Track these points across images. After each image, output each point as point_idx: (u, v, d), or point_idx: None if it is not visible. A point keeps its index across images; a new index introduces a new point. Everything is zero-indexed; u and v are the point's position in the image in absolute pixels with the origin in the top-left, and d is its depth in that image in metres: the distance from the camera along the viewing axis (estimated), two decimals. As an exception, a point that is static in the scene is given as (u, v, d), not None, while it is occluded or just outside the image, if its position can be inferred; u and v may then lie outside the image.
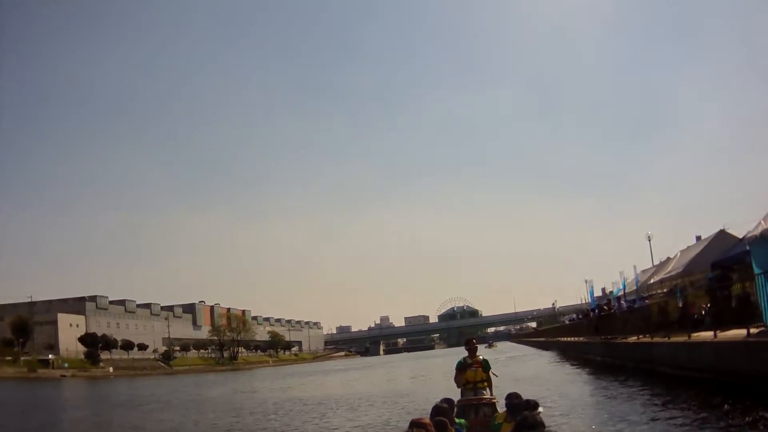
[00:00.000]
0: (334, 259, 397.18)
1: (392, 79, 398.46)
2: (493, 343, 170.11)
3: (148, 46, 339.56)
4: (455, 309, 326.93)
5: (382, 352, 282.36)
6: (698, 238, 37.91)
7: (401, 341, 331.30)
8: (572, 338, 60.56)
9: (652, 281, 41.09)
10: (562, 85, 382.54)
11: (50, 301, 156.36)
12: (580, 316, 61.35)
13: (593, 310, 47.91)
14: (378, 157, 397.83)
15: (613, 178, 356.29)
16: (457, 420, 10.48)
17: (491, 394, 14.56)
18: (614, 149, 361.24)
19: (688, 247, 37.69)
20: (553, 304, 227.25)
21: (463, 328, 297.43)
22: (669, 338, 24.96)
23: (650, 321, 29.46)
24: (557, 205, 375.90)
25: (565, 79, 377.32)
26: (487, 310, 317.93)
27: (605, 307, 41.03)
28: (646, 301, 32.02)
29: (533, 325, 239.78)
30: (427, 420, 7.69)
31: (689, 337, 22.42)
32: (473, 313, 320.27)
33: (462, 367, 15.06)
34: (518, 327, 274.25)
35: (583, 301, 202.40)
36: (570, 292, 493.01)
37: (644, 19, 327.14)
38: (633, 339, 31.69)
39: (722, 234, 32.26)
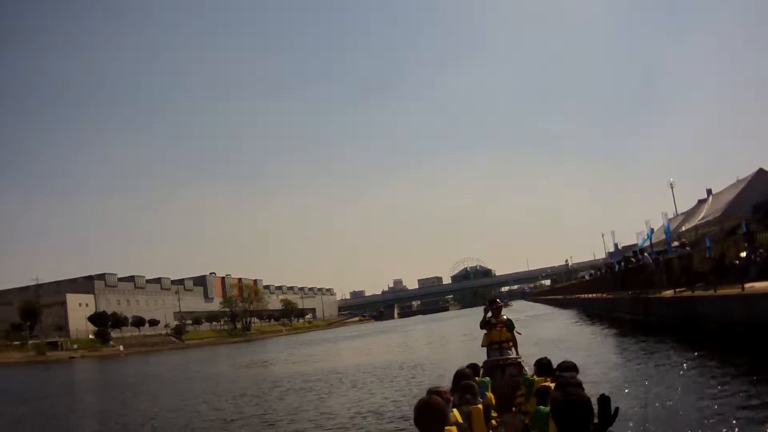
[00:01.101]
0: (345, 224, 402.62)
1: (398, 59, 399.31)
2: (508, 302, 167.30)
3: (156, 35, 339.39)
4: (468, 269, 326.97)
5: (396, 315, 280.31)
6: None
7: (415, 304, 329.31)
8: (594, 295, 56.82)
9: (683, 229, 38.23)
10: (562, 58, 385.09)
11: (59, 282, 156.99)
12: (603, 271, 56.99)
13: (619, 262, 43.69)
14: (389, 130, 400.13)
15: (618, 140, 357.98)
16: (480, 379, 10.33)
17: (516, 354, 14.54)
18: (617, 113, 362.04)
19: (722, 189, 34.82)
20: (567, 261, 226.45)
21: (476, 288, 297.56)
22: (716, 291, 21.71)
23: (690, 272, 26.08)
24: (564, 167, 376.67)
25: (564, 50, 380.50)
26: (500, 269, 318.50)
27: (632, 259, 36.81)
28: (687, 248, 27.74)
29: (547, 282, 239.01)
30: (445, 388, 7.27)
31: (743, 288, 19.33)
32: (486, 272, 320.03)
33: (487, 328, 15.04)
34: (532, 285, 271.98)
35: (596, 257, 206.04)
36: (582, 250, 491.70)
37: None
38: (668, 293, 28.35)
39: (762, 174, 29.07)
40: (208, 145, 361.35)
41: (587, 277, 78.81)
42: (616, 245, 54.36)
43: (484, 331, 15.20)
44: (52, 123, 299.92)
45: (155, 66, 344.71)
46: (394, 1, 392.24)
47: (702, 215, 35.41)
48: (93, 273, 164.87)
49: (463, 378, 8.68)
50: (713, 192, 48.37)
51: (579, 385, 5.76)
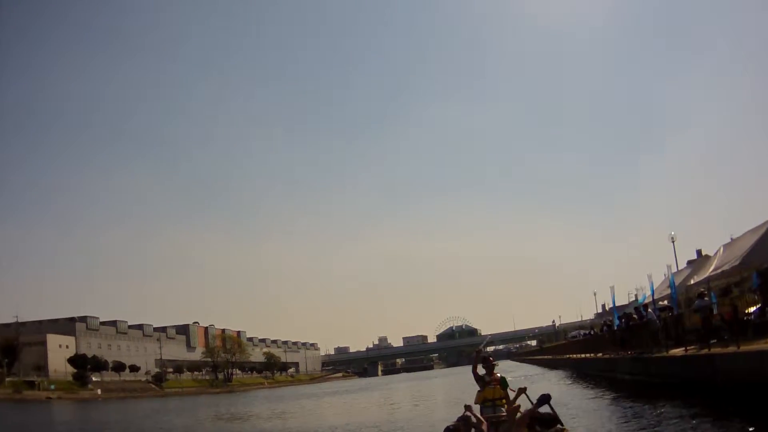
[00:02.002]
0: (331, 280, 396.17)
1: (390, 98, 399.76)
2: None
3: (151, 67, 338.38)
4: (454, 328, 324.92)
5: (380, 372, 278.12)
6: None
7: (399, 361, 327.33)
8: (588, 355, 54.30)
9: (692, 282, 36.95)
10: (561, 100, 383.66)
11: (40, 322, 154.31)
12: (601, 329, 54.50)
13: (620, 319, 40.63)
14: (375, 178, 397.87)
15: (610, 196, 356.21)
16: None
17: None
18: (610, 165, 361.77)
19: (734, 239, 33.79)
20: (554, 321, 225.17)
21: (461, 348, 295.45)
22: (738, 347, 20.21)
23: (709, 327, 24.51)
24: (555, 221, 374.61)
25: (563, 93, 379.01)
26: (486, 329, 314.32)
27: (634, 316, 34.54)
28: (705, 299, 25.93)
29: (533, 343, 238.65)
30: None
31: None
32: (472, 332, 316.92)
33: (481, 385, 15.01)
34: (518, 345, 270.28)
35: (584, 318, 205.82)
36: (569, 311, 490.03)
37: (642, 32, 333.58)
38: (676, 352, 26.88)
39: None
40: (199, 190, 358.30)
41: (580, 337, 77.02)
42: (614, 302, 52.94)
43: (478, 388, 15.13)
44: (38, 155, 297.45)
45: (146, 104, 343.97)
46: (388, 41, 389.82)
47: (713, 266, 33.91)
48: (75, 314, 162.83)
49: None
50: (703, 253, 47.62)
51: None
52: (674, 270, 47.63)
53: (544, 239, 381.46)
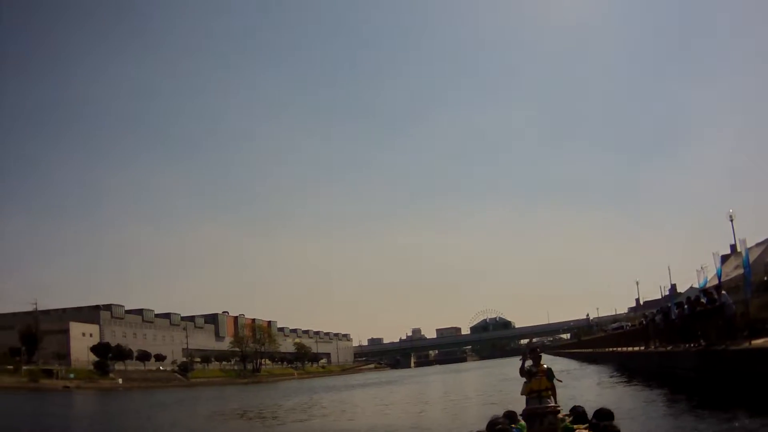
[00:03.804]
0: (365, 272, 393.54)
1: (415, 95, 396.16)
2: (524, 354, 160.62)
3: (166, 61, 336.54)
4: (487, 321, 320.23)
5: (412, 364, 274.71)
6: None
7: (432, 353, 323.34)
8: (636, 348, 47.98)
9: None
10: (578, 101, 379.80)
11: (64, 310, 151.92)
12: (651, 319, 48.14)
13: (681, 305, 33.75)
14: (406, 174, 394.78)
15: (635, 192, 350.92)
16: (517, 425, 11.13)
17: (555, 402, 14.05)
18: (637, 163, 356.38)
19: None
20: (587, 315, 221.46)
21: (495, 340, 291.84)
22: None
23: None
24: (584, 218, 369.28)
25: (580, 94, 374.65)
26: (519, 322, 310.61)
27: (702, 301, 28.47)
28: None
29: (566, 336, 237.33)
30: None
31: None
32: (506, 324, 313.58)
33: (528, 376, 14.75)
34: (551, 339, 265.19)
35: (618, 312, 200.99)
36: (603, 305, 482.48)
37: (660, 37, 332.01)
38: (759, 343, 21.72)
39: None
40: (233, 181, 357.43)
41: (627, 327, 71.29)
42: (673, 286, 47.59)
43: (524, 380, 14.77)
44: (63, 144, 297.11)
45: (190, 98, 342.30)
46: (413, 44, 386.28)
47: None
48: (100, 303, 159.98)
49: (497, 425, 9.94)
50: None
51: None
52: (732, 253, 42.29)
53: (577, 235, 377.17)
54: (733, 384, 21.93)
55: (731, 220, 50.97)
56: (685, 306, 31.70)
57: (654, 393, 29.05)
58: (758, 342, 21.76)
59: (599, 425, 7.89)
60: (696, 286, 42.94)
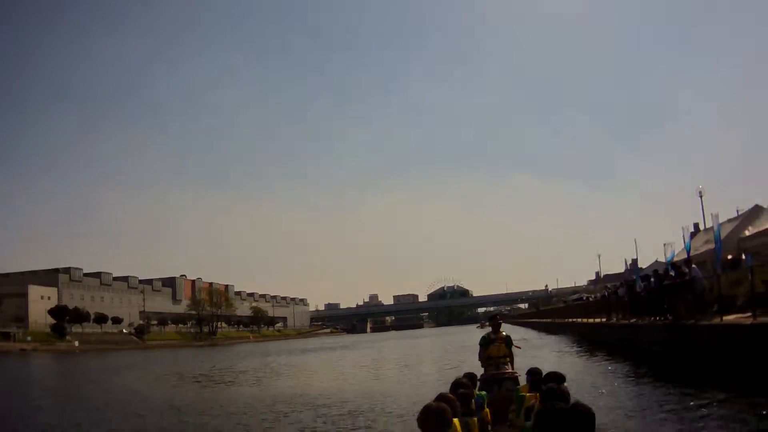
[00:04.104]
0: (324, 237, 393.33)
1: (390, 68, 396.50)
2: (485, 323, 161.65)
3: (162, 33, 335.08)
4: (445, 289, 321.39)
5: (369, 330, 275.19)
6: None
7: (389, 319, 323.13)
8: (599, 320, 46.98)
9: (747, 234, 31.69)
10: (558, 77, 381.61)
11: (22, 273, 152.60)
12: (613, 293, 47.65)
13: (648, 278, 32.88)
14: (371, 142, 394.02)
15: (604, 167, 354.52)
16: (477, 393, 10.19)
17: (512, 369, 14.54)
18: (608, 139, 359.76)
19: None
20: (546, 286, 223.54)
21: (453, 308, 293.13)
22: None
23: None
24: (547, 194, 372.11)
25: (561, 69, 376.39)
26: (477, 291, 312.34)
27: (671, 273, 27.68)
28: None
29: (524, 307, 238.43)
30: (452, 396, 7.05)
31: None
32: (463, 293, 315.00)
33: (486, 343, 14.98)
34: (509, 308, 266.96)
35: (577, 284, 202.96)
36: (562, 277, 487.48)
37: (642, 15, 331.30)
38: (731, 319, 21.36)
39: None
40: (189, 144, 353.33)
41: (589, 298, 71.48)
42: (635, 261, 47.48)
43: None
44: (25, 105, 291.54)
45: (147, 62, 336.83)
46: (394, 9, 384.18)
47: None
48: (59, 266, 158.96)
49: (461, 387, 8.63)
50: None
51: (563, 396, 5.97)
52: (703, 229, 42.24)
53: (540, 206, 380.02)
54: (702, 360, 21.66)
55: (700, 196, 50.39)
56: (652, 279, 31.23)
57: (618, 366, 28.18)
58: (730, 318, 21.49)
59: (546, 389, 7.18)
60: (661, 260, 42.71)
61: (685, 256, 30.56)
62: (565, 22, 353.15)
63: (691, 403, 16.45)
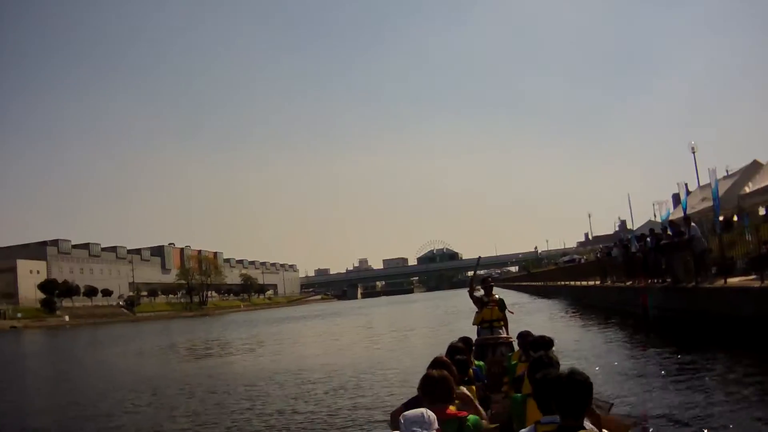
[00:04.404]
0: (312, 201, 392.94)
1: (379, 15, 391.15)
2: (476, 287, 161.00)
3: None
4: (435, 252, 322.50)
5: (359, 295, 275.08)
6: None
7: (380, 285, 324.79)
8: (592, 282, 45.89)
9: (747, 191, 30.77)
10: (548, 25, 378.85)
11: (9, 248, 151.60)
12: (606, 253, 46.22)
13: (644, 238, 31.52)
14: (359, 97, 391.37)
15: (594, 125, 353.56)
16: (476, 363, 10.33)
17: (507, 333, 14.38)
18: (596, 93, 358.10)
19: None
20: (536, 248, 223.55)
21: (442, 271, 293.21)
22: None
23: None
24: (536, 155, 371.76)
25: (552, 17, 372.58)
26: (467, 253, 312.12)
27: (669, 233, 26.48)
28: None
29: (514, 269, 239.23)
30: (448, 360, 7.32)
31: None
32: (453, 255, 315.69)
33: (479, 305, 14.90)
34: (499, 271, 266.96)
35: (566, 246, 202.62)
36: (551, 238, 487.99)
37: None
38: (735, 281, 20.60)
39: None
40: (177, 108, 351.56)
41: (582, 260, 70.72)
42: (623, 222, 46.43)
43: (475, 309, 15.00)
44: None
45: (129, 22, 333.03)
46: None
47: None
48: (46, 239, 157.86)
49: (457, 353, 8.59)
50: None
51: (551, 363, 5.84)
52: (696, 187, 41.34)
53: (527, 167, 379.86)
54: (705, 324, 21.03)
55: (693, 152, 48.82)
56: (648, 239, 30.04)
57: (614, 331, 27.69)
58: (734, 281, 20.84)
59: (534, 358, 6.93)
60: (655, 220, 42.06)
61: (681, 215, 29.83)
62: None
63: (696, 370, 15.89)
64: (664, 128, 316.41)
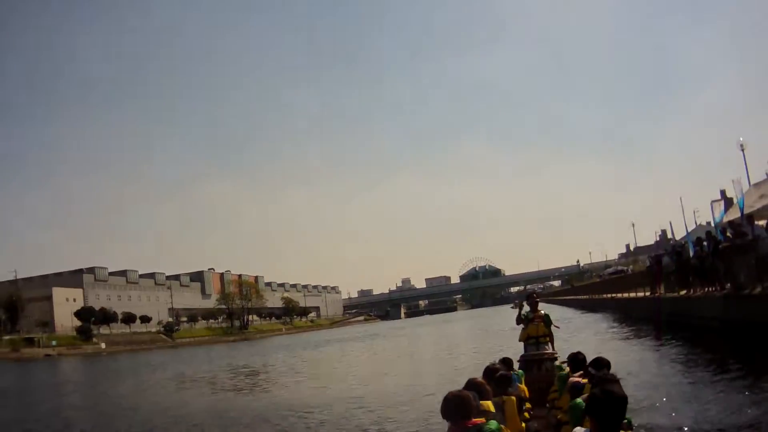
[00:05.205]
0: (354, 223, 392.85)
1: (411, 46, 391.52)
2: (520, 302, 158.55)
3: (165, 14, 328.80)
4: (477, 269, 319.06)
5: (403, 315, 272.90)
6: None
7: (422, 304, 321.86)
8: (642, 294, 42.81)
9: None
10: (583, 48, 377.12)
11: (46, 276, 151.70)
12: (656, 261, 42.44)
13: (704, 241, 27.36)
14: (398, 122, 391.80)
15: (629, 145, 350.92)
16: (513, 371, 10.27)
17: (552, 349, 14.39)
18: (630, 113, 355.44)
19: None
20: (578, 261, 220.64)
21: (485, 288, 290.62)
22: None
23: None
24: (574, 168, 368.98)
25: (586, 41, 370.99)
26: (509, 270, 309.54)
27: (728, 234, 23.51)
28: None
29: (557, 284, 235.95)
30: (482, 381, 7.26)
31: None
32: (495, 272, 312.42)
33: (524, 323, 14.86)
34: (542, 286, 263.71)
35: (608, 258, 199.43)
36: (594, 251, 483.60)
37: None
38: None
39: None
40: (213, 135, 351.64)
41: (629, 270, 67.50)
42: (663, 231, 43.12)
43: (521, 326, 14.96)
44: (37, 106, 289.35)
45: (164, 52, 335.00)
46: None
47: None
48: (83, 267, 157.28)
49: (494, 372, 8.66)
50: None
51: (616, 381, 5.53)
52: (746, 187, 37.98)
53: (566, 182, 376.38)
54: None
55: (742, 150, 45.25)
56: (704, 243, 26.90)
57: (669, 347, 24.91)
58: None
59: (595, 374, 7.23)
60: (703, 224, 38.87)
61: (738, 215, 26.73)
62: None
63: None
64: (700, 139, 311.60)
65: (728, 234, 23.32)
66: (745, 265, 21.36)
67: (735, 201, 30.17)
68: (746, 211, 26.08)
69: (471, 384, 6.73)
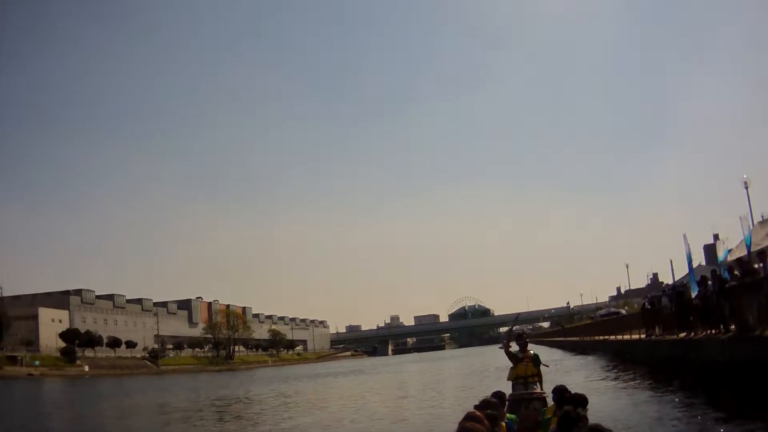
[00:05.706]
0: (344, 259, 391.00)
1: (402, 83, 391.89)
2: (508, 332, 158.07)
3: (161, 49, 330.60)
4: (466, 308, 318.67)
5: (390, 352, 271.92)
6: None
7: (411, 341, 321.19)
8: (638, 336, 41.15)
9: None
10: (571, 87, 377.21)
11: (34, 295, 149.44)
12: (652, 303, 41.30)
13: (709, 281, 25.84)
14: (387, 158, 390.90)
15: (622, 182, 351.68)
16: (508, 416, 10.00)
17: (541, 389, 14.41)
18: (623, 152, 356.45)
19: None
20: (568, 303, 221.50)
21: (474, 328, 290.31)
22: None
23: None
24: (567, 207, 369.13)
25: (573, 80, 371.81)
26: (498, 310, 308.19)
27: (736, 273, 22.71)
28: None
29: (545, 325, 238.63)
30: (481, 414, 7.10)
31: None
32: (485, 312, 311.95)
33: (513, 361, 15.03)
34: (531, 327, 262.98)
35: (599, 300, 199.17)
36: (584, 293, 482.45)
37: (654, 23, 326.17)
38: None
39: None
40: (205, 165, 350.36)
41: (623, 312, 66.66)
42: (655, 275, 41.91)
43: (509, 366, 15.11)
44: (34, 128, 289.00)
45: (157, 79, 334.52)
46: (407, 22, 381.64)
47: None
48: (70, 288, 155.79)
49: (488, 407, 8.27)
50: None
51: (580, 419, 6.11)
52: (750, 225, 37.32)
53: (556, 223, 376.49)
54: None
55: (746, 187, 44.20)
56: (709, 282, 25.44)
57: (669, 393, 23.85)
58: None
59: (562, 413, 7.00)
60: (704, 263, 38.06)
61: (744, 253, 25.93)
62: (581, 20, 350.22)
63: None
64: (692, 181, 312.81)
65: (735, 272, 22.48)
66: (755, 304, 20.34)
67: (723, 248, 29.63)
68: (753, 248, 25.30)
69: (472, 416, 6.66)
